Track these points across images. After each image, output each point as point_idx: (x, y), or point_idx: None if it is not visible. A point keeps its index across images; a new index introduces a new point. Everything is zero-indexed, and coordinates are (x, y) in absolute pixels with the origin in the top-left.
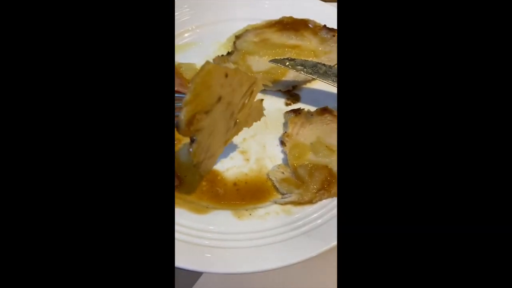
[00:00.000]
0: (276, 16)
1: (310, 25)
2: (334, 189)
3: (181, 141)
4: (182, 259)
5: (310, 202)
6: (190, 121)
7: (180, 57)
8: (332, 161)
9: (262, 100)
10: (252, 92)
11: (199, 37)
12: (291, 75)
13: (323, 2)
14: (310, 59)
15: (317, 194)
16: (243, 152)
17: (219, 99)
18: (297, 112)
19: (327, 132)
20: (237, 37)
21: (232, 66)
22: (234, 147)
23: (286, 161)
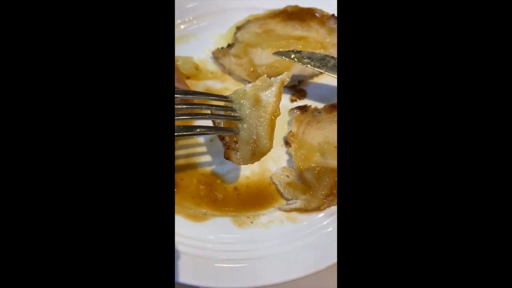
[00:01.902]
0: (280, 5)
1: (317, 15)
2: None
3: (177, 142)
4: (177, 272)
5: (318, 209)
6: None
7: (177, 50)
8: None
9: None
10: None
11: (197, 28)
12: (296, 69)
13: None
14: (317, 51)
15: (325, 201)
16: None
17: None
18: (303, 109)
19: (335, 132)
20: (239, 28)
21: (232, 59)
22: None
23: (291, 163)
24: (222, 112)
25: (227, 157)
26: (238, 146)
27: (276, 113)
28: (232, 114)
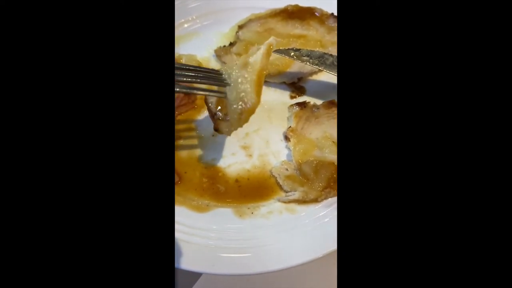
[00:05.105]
0: (280, 4)
1: (317, 14)
2: None
3: (180, 137)
4: (182, 259)
5: (315, 200)
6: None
7: (180, 48)
8: None
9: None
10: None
11: (200, 27)
12: (296, 67)
13: None
14: (317, 49)
15: (323, 193)
16: (245, 148)
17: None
18: (302, 105)
19: (333, 127)
20: (240, 27)
21: (234, 57)
22: (236, 142)
23: (290, 157)
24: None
25: (216, 128)
26: (228, 117)
27: (263, 71)
28: (221, 83)
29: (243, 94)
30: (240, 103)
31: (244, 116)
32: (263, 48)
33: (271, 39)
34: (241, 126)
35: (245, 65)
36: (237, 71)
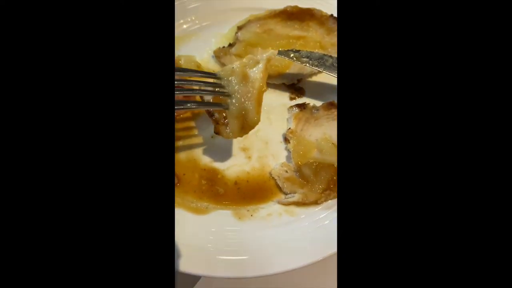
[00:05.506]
0: (280, 5)
1: (316, 15)
2: None
3: (179, 138)
4: (181, 262)
5: (315, 203)
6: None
7: (179, 49)
8: None
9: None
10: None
11: (199, 28)
12: (295, 68)
13: None
14: (316, 50)
15: (323, 195)
16: (244, 149)
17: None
18: (301, 107)
19: (333, 128)
20: (239, 27)
21: (234, 58)
22: (235, 144)
23: (290, 159)
24: (211, 88)
25: (217, 132)
26: (227, 121)
27: (263, 88)
28: (221, 91)
29: (244, 112)
30: (242, 119)
31: (244, 130)
32: (262, 64)
33: (270, 53)
34: (240, 136)
35: (245, 77)
36: (236, 82)
